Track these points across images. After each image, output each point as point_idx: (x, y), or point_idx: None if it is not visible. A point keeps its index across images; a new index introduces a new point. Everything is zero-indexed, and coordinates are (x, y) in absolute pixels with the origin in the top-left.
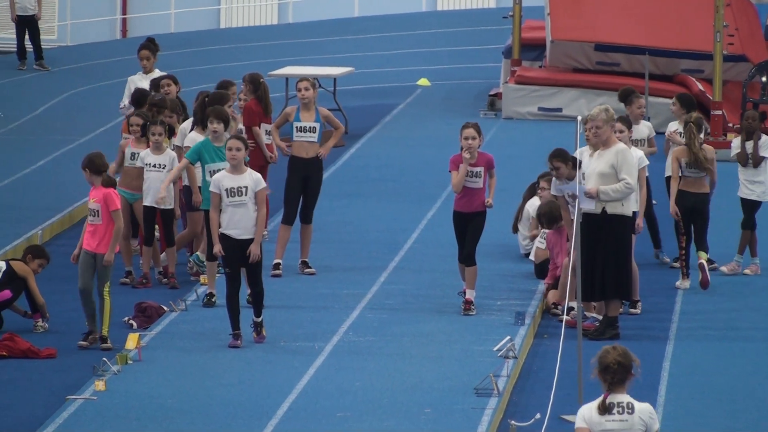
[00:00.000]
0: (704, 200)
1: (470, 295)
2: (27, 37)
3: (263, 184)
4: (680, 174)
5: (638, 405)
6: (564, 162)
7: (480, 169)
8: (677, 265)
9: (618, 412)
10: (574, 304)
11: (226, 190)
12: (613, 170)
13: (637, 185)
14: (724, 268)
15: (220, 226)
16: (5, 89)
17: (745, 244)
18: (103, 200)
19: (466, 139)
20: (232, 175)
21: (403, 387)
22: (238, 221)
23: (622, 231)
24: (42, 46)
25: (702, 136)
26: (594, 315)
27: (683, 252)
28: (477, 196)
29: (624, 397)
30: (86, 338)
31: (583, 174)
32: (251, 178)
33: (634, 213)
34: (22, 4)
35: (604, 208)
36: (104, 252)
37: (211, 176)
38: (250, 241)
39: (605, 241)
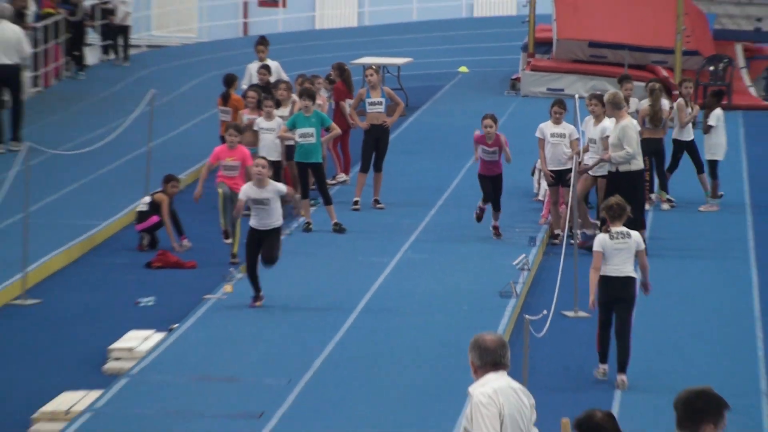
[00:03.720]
0: (661, 143)
1: (497, 222)
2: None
3: (284, 190)
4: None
5: (632, 232)
6: (563, 109)
7: (496, 148)
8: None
9: (620, 237)
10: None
11: (252, 200)
12: (620, 141)
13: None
14: (702, 208)
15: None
16: (161, 74)
17: (706, 188)
18: (242, 159)
19: (486, 127)
20: (257, 188)
21: (447, 291)
22: (260, 219)
23: (633, 181)
24: (133, 46)
25: (664, 101)
26: (586, 231)
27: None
28: (495, 165)
29: (622, 228)
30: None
31: (589, 136)
32: (273, 190)
33: (640, 169)
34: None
35: (617, 168)
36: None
37: (300, 137)
38: (269, 230)
39: (622, 190)
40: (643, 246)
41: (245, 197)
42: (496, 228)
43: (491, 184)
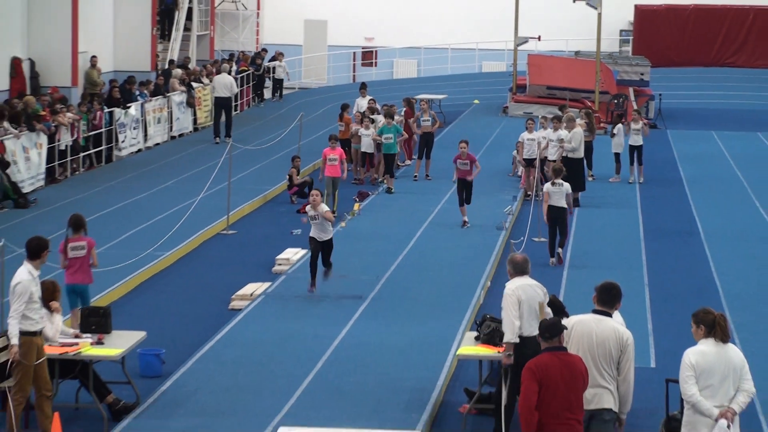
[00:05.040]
0: (591, 143)
1: (465, 217)
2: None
3: (326, 208)
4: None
5: (564, 183)
6: (533, 123)
7: (468, 161)
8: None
9: (558, 186)
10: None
11: (310, 216)
12: (571, 140)
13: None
14: (611, 180)
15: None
16: (306, 104)
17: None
18: (340, 154)
19: (461, 148)
20: (312, 209)
21: (465, 230)
22: (317, 231)
23: (576, 163)
24: (284, 90)
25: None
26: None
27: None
28: (468, 173)
29: (559, 180)
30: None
31: (547, 138)
32: (321, 211)
33: (581, 158)
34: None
35: (568, 155)
36: (339, 175)
37: (384, 139)
38: (324, 241)
39: (569, 165)
40: (570, 191)
41: (308, 213)
42: (465, 222)
43: (465, 186)
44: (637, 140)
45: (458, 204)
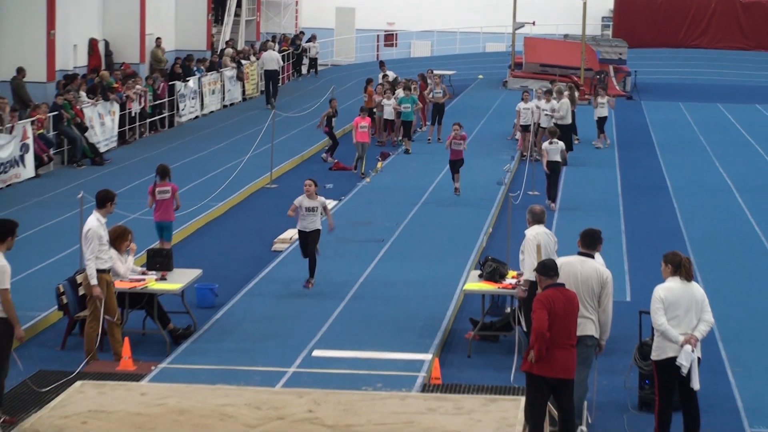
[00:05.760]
0: (574, 113)
1: (458, 184)
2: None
3: (324, 201)
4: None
5: (560, 142)
6: (528, 94)
7: (461, 141)
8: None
9: (554, 144)
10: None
11: (305, 207)
12: (560, 109)
13: (568, 114)
14: (594, 143)
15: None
16: (337, 78)
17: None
18: (369, 123)
19: (455, 129)
20: (309, 200)
21: (472, 181)
22: (307, 223)
23: (565, 128)
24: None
25: (576, 93)
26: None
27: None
28: (460, 152)
29: (555, 140)
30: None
31: (540, 108)
32: (319, 202)
33: (569, 124)
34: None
35: (556, 122)
36: (367, 141)
37: (402, 108)
38: (311, 231)
39: (562, 131)
40: (564, 148)
41: (299, 204)
42: (457, 189)
43: (457, 164)
44: (602, 112)
45: (451, 176)
